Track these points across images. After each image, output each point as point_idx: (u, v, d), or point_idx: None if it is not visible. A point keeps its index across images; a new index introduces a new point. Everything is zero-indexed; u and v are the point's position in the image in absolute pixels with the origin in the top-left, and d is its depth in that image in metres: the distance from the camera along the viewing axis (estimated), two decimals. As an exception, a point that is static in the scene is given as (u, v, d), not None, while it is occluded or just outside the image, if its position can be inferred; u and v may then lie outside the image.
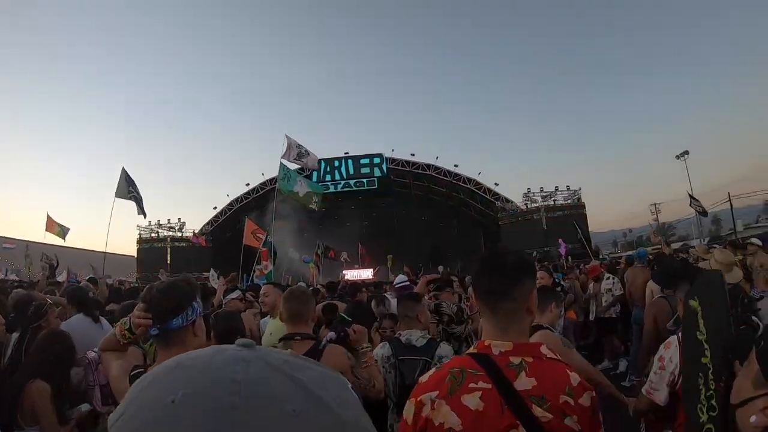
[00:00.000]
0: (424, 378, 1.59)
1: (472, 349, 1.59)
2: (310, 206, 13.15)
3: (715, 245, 11.12)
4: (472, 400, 1.42)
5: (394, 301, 7.01)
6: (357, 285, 8.79)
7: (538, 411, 1.38)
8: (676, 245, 20.92)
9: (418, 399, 1.50)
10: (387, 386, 3.16)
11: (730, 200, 31.63)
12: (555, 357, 1.53)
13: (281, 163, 12.40)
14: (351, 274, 32.58)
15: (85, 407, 3.24)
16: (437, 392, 1.47)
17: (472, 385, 1.44)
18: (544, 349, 1.52)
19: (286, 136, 12.70)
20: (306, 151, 12.81)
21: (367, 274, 32.17)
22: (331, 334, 3.74)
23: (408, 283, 7.47)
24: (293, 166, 13.02)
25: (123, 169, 13.51)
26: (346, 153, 37.67)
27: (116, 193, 13.29)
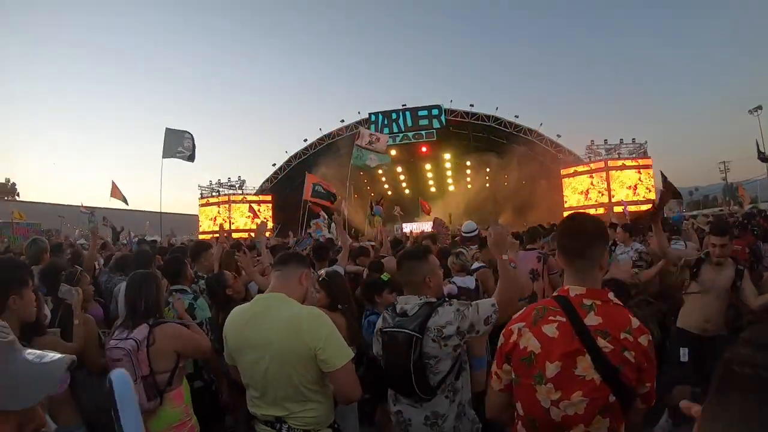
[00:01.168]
0: (517, 313, 1.99)
1: (555, 293, 1.94)
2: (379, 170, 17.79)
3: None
4: (549, 329, 1.79)
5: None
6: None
7: (601, 342, 1.70)
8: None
9: (509, 328, 1.93)
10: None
11: (807, 161, 29.06)
12: (620, 303, 1.85)
13: (355, 145, 15.58)
14: (410, 227, 32.24)
15: None
16: (524, 323, 1.88)
17: (551, 318, 1.81)
18: (611, 296, 1.85)
19: (361, 128, 17.48)
20: (377, 138, 16.07)
21: (427, 226, 31.69)
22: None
23: (476, 232, 6.87)
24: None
25: (166, 129, 14.01)
26: (403, 105, 36.69)
27: (163, 154, 13.52)
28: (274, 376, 2.25)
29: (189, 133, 14.15)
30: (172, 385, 2.81)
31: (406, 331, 2.44)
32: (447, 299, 2.65)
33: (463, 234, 7.06)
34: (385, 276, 4.46)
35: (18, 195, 46.91)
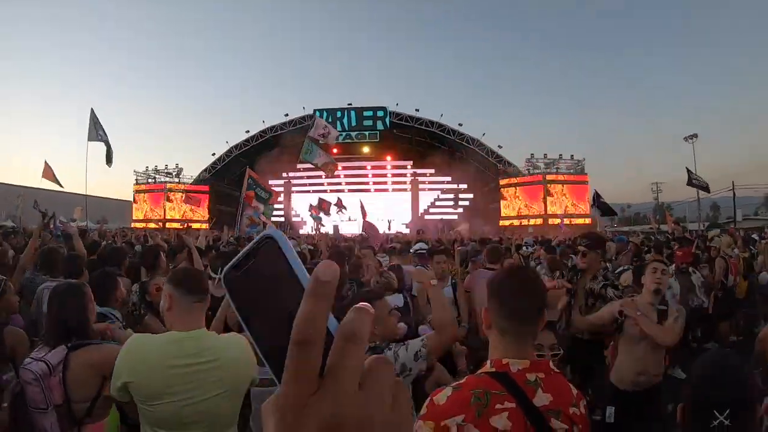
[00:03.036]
0: (441, 399, 1.55)
1: (489, 368, 1.62)
2: (326, 172, 16.32)
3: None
4: (500, 421, 1.46)
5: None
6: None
7: (555, 424, 1.49)
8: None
9: (442, 424, 1.48)
10: None
11: (733, 189, 31.30)
12: (557, 370, 1.65)
13: (307, 137, 14.88)
14: (348, 228, 32.30)
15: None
16: (463, 416, 1.46)
17: (498, 406, 1.48)
18: (551, 364, 1.65)
19: (316, 117, 17.56)
20: (329, 131, 15.67)
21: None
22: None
23: (425, 250, 6.52)
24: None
25: (91, 110, 13.80)
26: (349, 104, 36.88)
27: (88, 136, 13.43)
28: (218, 411, 2.17)
29: (103, 130, 14.11)
30: (91, 417, 2.42)
31: None
32: (388, 345, 2.47)
33: (417, 252, 6.70)
34: None
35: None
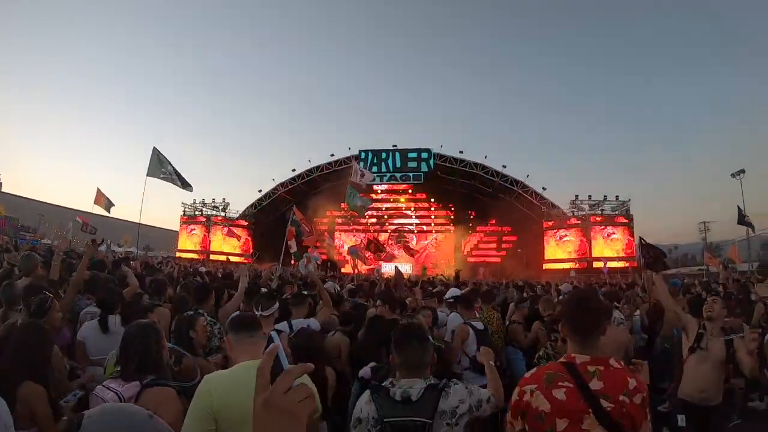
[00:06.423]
0: (527, 374, 2.24)
1: (562, 359, 2.21)
2: (359, 215, 18.40)
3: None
4: (559, 393, 2.04)
5: (444, 317, 6.31)
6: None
7: (604, 403, 1.99)
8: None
9: (522, 388, 2.14)
10: None
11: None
12: (619, 366, 2.13)
13: (350, 183, 15.76)
14: (389, 267, 31.97)
15: (74, 395, 2.92)
16: (536, 385, 2.10)
17: (560, 383, 2.06)
18: (612, 361, 2.13)
19: (353, 163, 18.91)
20: (363, 172, 16.62)
21: (406, 268, 31.46)
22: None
23: (460, 295, 6.33)
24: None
25: (154, 148, 14.25)
26: (394, 145, 37.36)
27: (147, 172, 13.91)
28: None
29: (171, 165, 14.42)
30: None
31: (419, 419, 2.29)
32: (451, 379, 2.51)
33: (447, 299, 6.74)
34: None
35: (0, 186, 45.71)
